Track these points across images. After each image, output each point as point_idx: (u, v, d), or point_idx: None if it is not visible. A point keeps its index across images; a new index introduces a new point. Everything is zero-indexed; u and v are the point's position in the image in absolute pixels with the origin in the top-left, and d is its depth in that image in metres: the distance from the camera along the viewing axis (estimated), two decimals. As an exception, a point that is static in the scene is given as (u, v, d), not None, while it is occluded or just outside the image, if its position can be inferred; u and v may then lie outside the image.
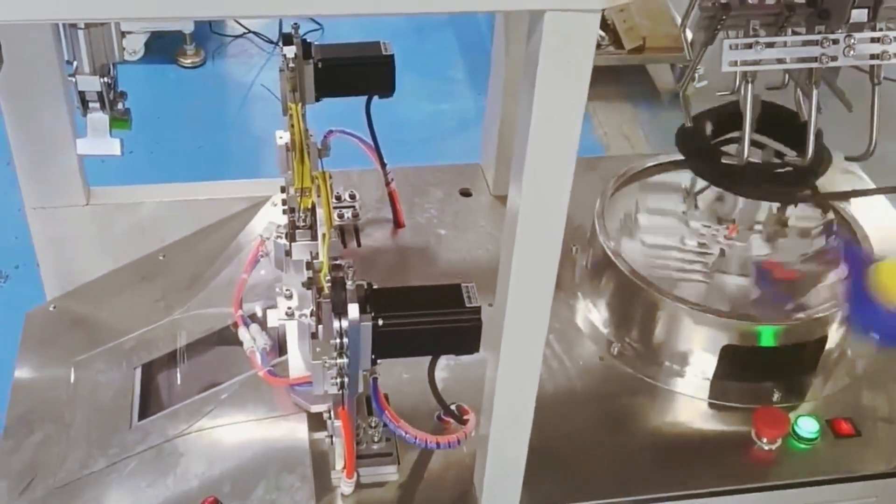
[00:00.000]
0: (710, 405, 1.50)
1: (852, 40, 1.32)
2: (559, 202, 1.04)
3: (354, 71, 1.61)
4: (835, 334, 1.53)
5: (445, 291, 1.23)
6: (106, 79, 1.19)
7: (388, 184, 1.78)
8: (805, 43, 1.32)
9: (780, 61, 1.33)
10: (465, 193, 1.90)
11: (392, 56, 1.62)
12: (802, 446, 1.43)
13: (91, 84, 1.19)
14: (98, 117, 1.23)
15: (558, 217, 1.05)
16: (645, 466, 1.41)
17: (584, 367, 1.54)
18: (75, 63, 1.19)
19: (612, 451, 1.43)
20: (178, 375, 1.58)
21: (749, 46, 1.31)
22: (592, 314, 1.61)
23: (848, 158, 1.50)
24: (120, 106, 1.24)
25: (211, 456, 1.40)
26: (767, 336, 1.48)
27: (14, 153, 1.61)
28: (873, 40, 1.33)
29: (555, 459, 1.39)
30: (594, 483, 1.39)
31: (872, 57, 1.35)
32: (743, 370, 1.51)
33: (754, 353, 1.50)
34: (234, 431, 1.44)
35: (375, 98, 1.67)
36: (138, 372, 1.58)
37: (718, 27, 1.33)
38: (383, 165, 1.77)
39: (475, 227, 1.81)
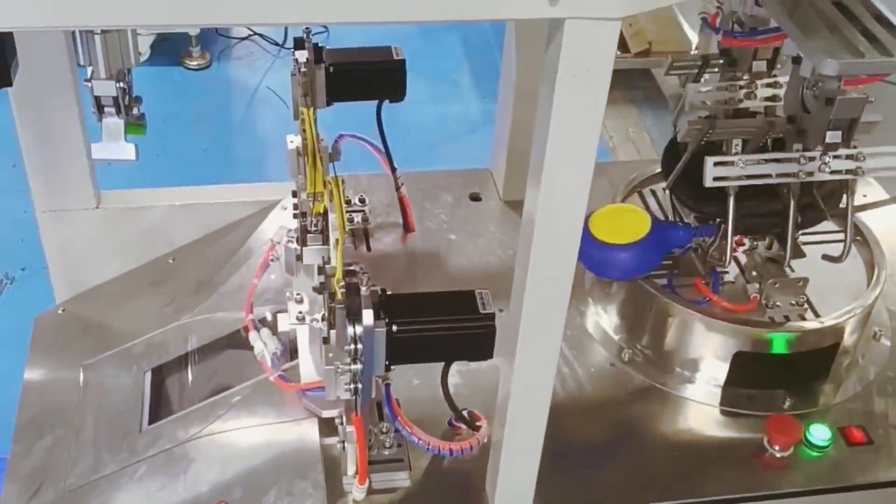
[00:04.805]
0: (722, 412, 1.50)
1: (828, 158, 1.38)
2: (577, 209, 1.04)
3: (366, 75, 1.61)
4: (847, 341, 1.52)
5: (460, 298, 1.23)
6: (121, 84, 1.19)
7: (398, 188, 1.78)
8: (784, 160, 1.38)
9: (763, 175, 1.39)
10: (475, 198, 1.89)
11: (403, 61, 1.62)
12: (814, 454, 1.43)
13: (107, 89, 1.19)
14: (113, 122, 1.23)
15: (576, 223, 1.05)
16: (656, 473, 1.41)
17: (595, 374, 1.54)
18: (90, 68, 1.18)
19: (623, 457, 1.43)
20: (189, 379, 1.57)
21: (732, 163, 1.37)
22: (603, 320, 1.61)
23: (825, 258, 1.52)
24: (135, 111, 1.24)
25: (222, 460, 1.40)
26: (779, 343, 1.48)
27: (25, 157, 1.61)
28: (848, 157, 1.38)
29: (566, 466, 1.39)
30: (606, 490, 1.39)
31: (848, 172, 1.39)
32: (755, 377, 1.50)
33: (766, 360, 1.49)
34: (244, 436, 1.43)
35: (384, 102, 1.67)
36: (148, 376, 1.58)
37: (704, 140, 1.40)
38: (393, 170, 1.76)
39: (485, 232, 1.81)
